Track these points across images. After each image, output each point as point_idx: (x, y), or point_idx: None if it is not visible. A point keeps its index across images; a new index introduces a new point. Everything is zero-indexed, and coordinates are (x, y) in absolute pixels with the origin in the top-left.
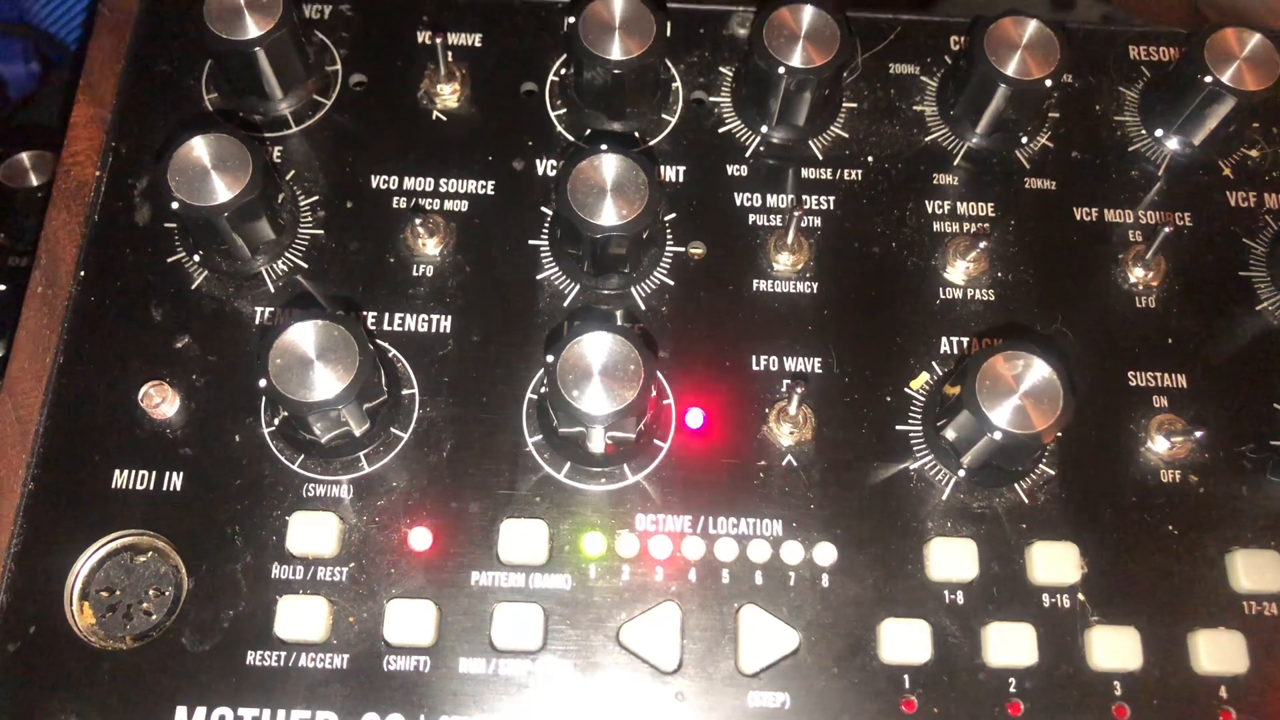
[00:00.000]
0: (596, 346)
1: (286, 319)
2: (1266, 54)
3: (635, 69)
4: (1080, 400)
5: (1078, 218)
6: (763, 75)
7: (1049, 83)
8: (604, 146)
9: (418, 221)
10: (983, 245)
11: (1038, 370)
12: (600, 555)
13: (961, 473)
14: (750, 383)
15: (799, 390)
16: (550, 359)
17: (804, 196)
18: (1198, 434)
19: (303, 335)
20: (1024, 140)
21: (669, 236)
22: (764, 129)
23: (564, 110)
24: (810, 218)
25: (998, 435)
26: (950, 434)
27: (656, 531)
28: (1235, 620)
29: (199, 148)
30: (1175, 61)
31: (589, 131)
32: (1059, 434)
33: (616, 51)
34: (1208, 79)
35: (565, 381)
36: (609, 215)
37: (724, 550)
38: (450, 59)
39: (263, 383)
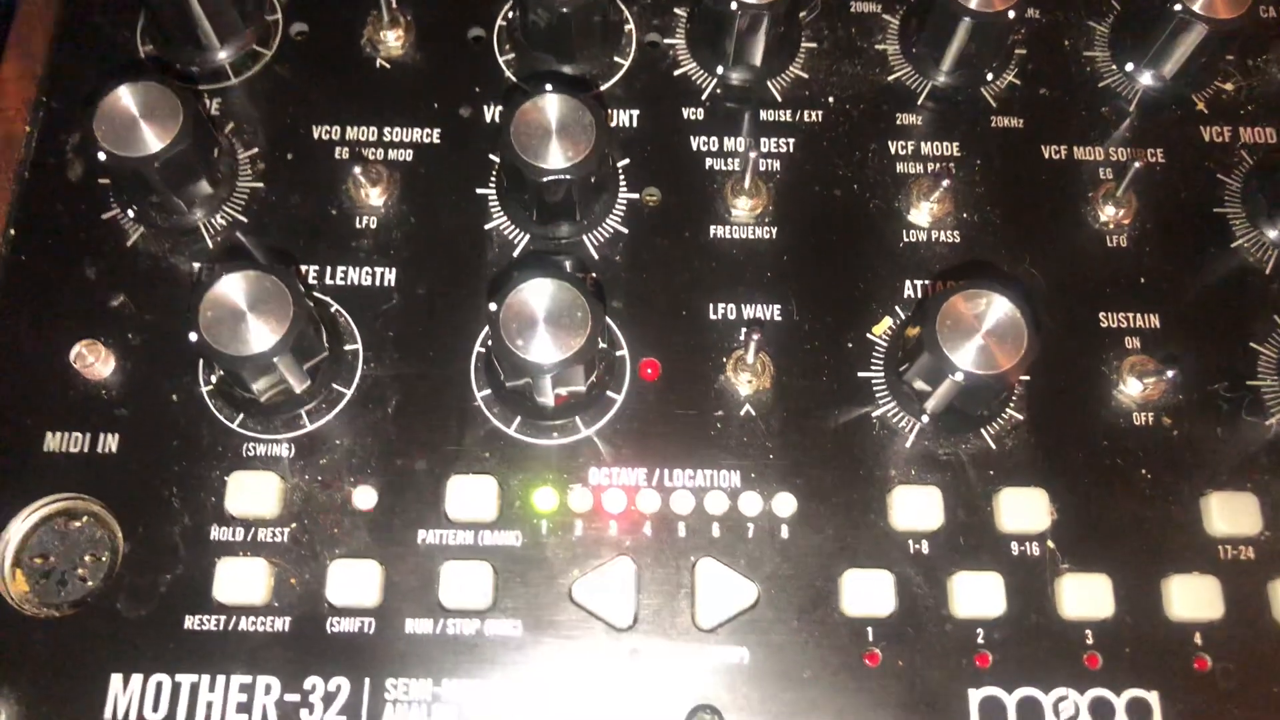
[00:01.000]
0: (541, 293)
1: (218, 272)
2: None
3: (582, 8)
4: (1050, 342)
5: (1046, 156)
6: (715, 14)
7: (1011, 14)
8: (548, 87)
9: (358, 171)
10: (945, 185)
11: (1000, 308)
12: (552, 511)
13: (925, 418)
14: (707, 332)
15: (755, 337)
16: (493, 307)
17: (762, 139)
18: (1169, 374)
19: (234, 287)
20: (989, 78)
21: (622, 183)
22: (720, 70)
23: (512, 55)
24: (769, 161)
25: (959, 376)
26: (912, 378)
27: (610, 485)
28: (1210, 565)
29: (126, 97)
30: None
31: (533, 74)
32: (1025, 375)
33: None
34: (1177, 7)
35: (509, 330)
36: (554, 158)
37: (680, 503)
38: (395, 5)
39: (193, 336)
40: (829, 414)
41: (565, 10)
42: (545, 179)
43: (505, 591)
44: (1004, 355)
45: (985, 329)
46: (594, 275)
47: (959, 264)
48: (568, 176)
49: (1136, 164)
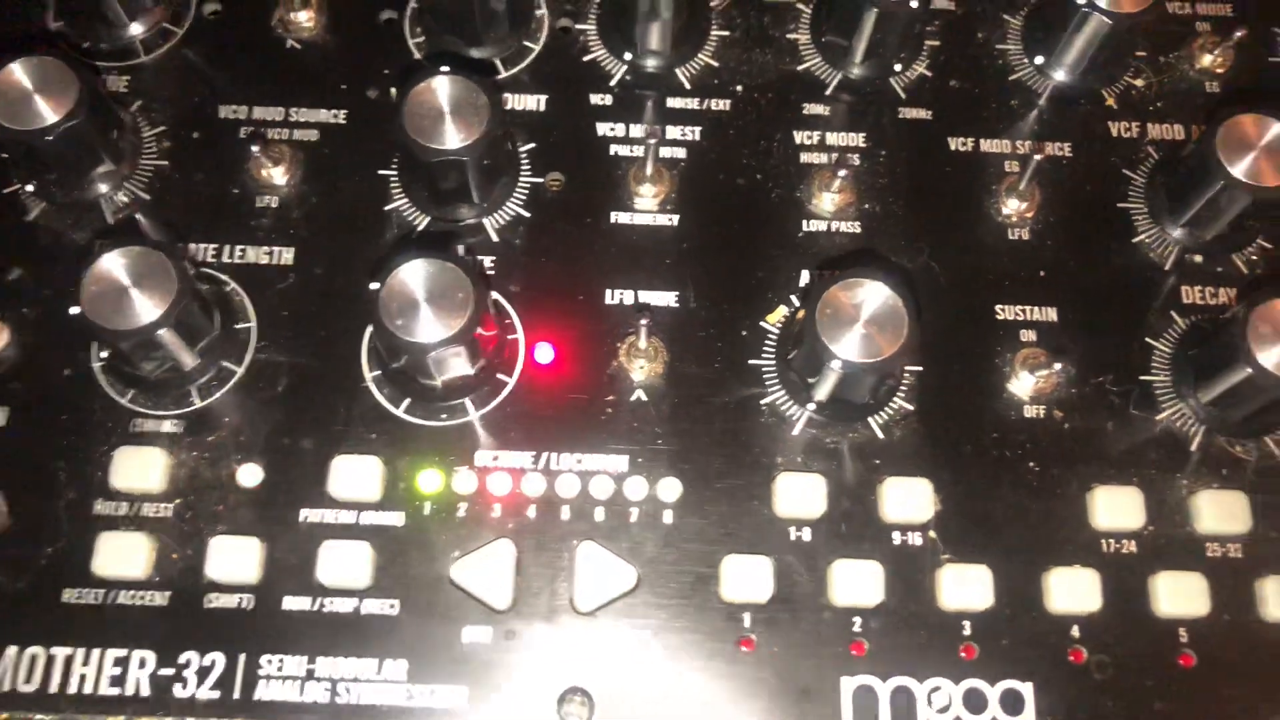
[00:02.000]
0: (422, 273)
1: (103, 247)
2: None
3: None
4: (944, 333)
5: (953, 148)
6: (621, 1)
7: (915, 4)
8: (444, 68)
9: (256, 150)
10: (842, 175)
11: (880, 297)
12: (436, 492)
13: (812, 406)
14: (603, 317)
15: (644, 323)
16: (374, 286)
17: (668, 127)
18: (1057, 366)
19: (118, 263)
20: (898, 69)
21: (525, 166)
22: (628, 57)
23: (423, 38)
24: (675, 149)
25: (836, 365)
26: (798, 366)
27: (496, 468)
28: (1093, 558)
29: (19, 71)
30: None
31: (438, 56)
32: (917, 365)
33: None
34: (1081, 0)
35: (389, 310)
36: (446, 139)
37: (565, 486)
38: None
39: (74, 310)
40: (719, 400)
41: None
42: (436, 160)
43: (385, 571)
44: (884, 344)
45: (865, 318)
46: (481, 258)
47: (848, 253)
48: (460, 158)
49: (1037, 157)
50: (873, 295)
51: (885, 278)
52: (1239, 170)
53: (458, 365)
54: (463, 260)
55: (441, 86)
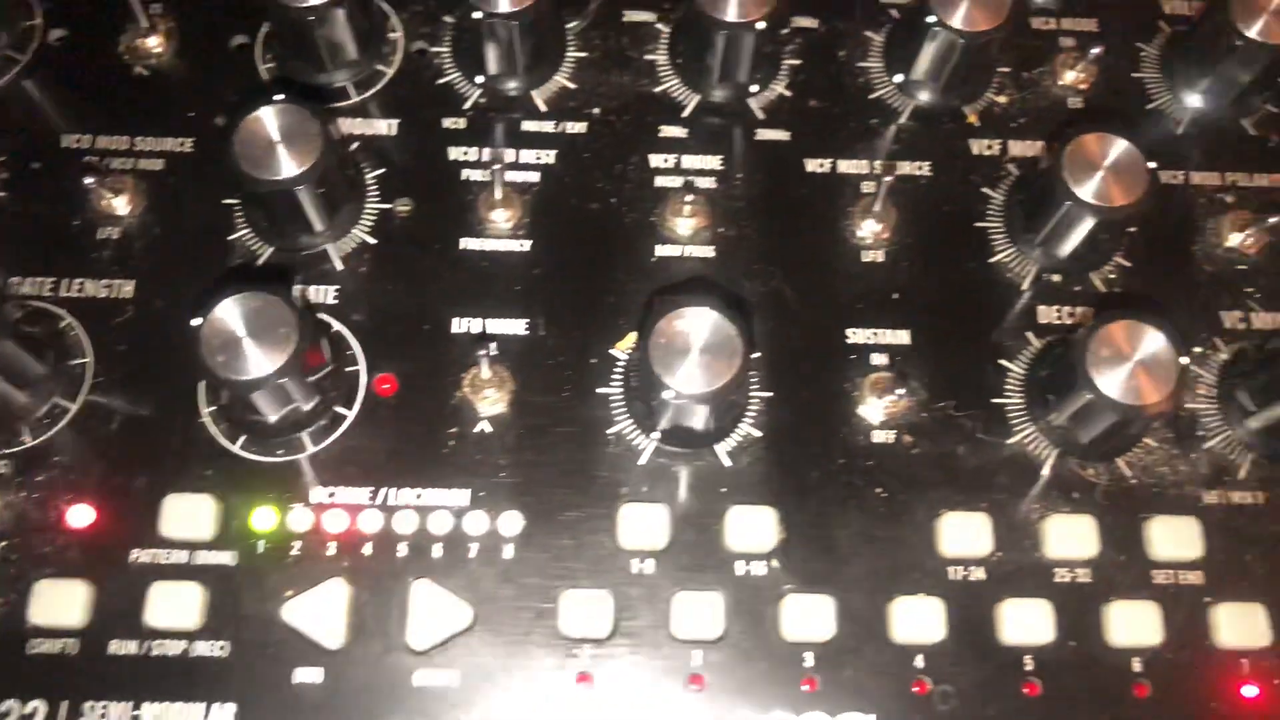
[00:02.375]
0: (244, 308)
1: None
2: None
3: (324, 16)
4: (795, 359)
5: (809, 169)
6: (471, 23)
7: (761, 25)
8: (278, 97)
9: (90, 181)
10: (688, 199)
11: (712, 325)
12: (270, 531)
13: (656, 435)
14: (449, 346)
15: (483, 354)
16: (195, 322)
17: (522, 151)
18: (900, 391)
19: None
20: (755, 89)
21: (373, 192)
22: (481, 80)
23: (273, 64)
24: (528, 173)
25: (668, 395)
26: (641, 395)
27: (332, 504)
28: (939, 587)
29: None
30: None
31: (276, 82)
32: (768, 392)
33: None
34: (930, 19)
35: (210, 346)
36: (278, 168)
37: (403, 523)
38: (154, 12)
39: None
40: (566, 430)
41: (311, 19)
42: (267, 190)
43: (216, 612)
44: (717, 373)
45: (699, 347)
46: (325, 288)
47: (688, 279)
48: (292, 187)
49: (887, 179)
50: (705, 324)
51: (718, 305)
52: (1085, 191)
53: (290, 400)
54: (287, 294)
55: (271, 116)
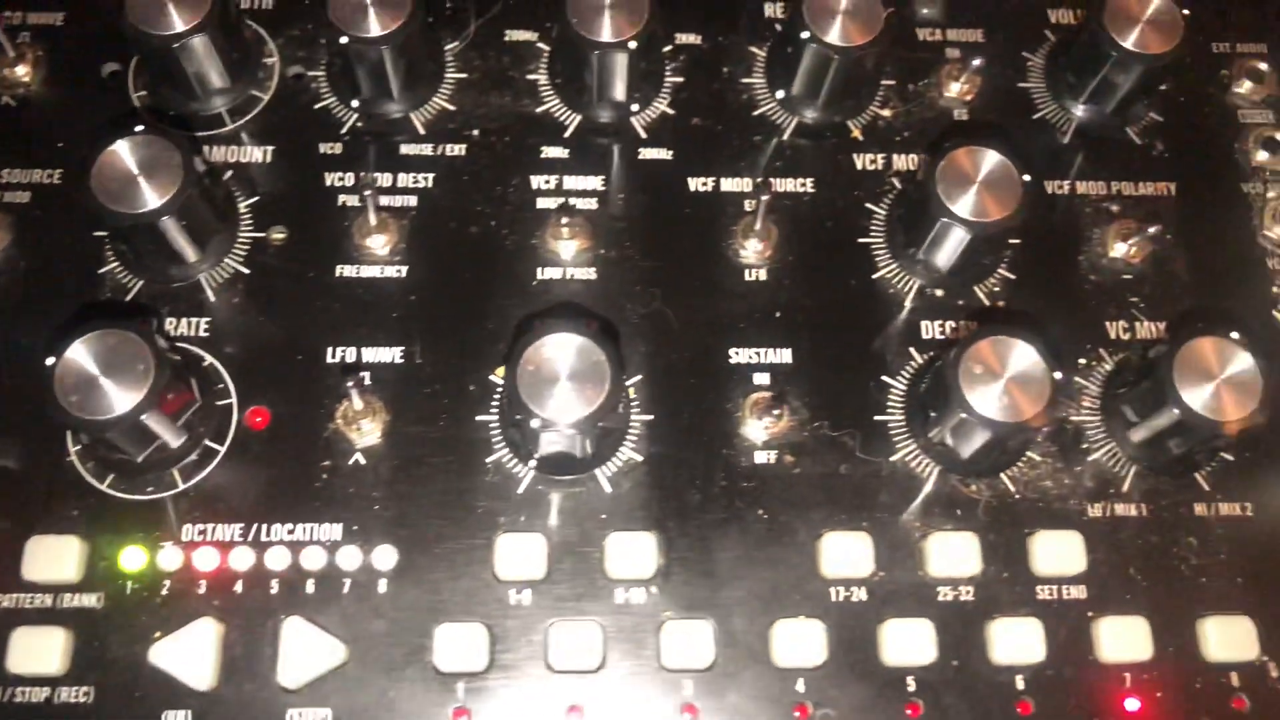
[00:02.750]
0: (100, 346)
1: None
2: (869, 6)
3: (186, 45)
4: (676, 381)
5: (693, 188)
6: (337, 48)
7: (633, 44)
8: (137, 128)
9: None
10: (565, 221)
11: (580, 351)
12: (139, 571)
13: (533, 463)
14: (323, 377)
15: (351, 385)
16: (49, 361)
17: (400, 174)
18: (775, 411)
19: None
20: (635, 109)
21: (247, 221)
22: (357, 104)
23: (145, 92)
24: (406, 197)
25: (535, 424)
26: (515, 424)
27: (203, 542)
28: (820, 608)
29: None
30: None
31: (146, 110)
32: (648, 415)
33: (172, 25)
34: (804, 35)
35: (63, 386)
36: (138, 200)
37: (275, 559)
38: (21, 40)
39: None
40: (443, 461)
41: (176, 46)
42: (128, 225)
43: (81, 657)
44: (585, 400)
45: (567, 374)
46: (159, 323)
47: (552, 305)
48: (152, 220)
49: (765, 197)
50: (573, 350)
51: (586, 331)
52: (960, 207)
53: (154, 437)
54: (143, 329)
55: (128, 148)
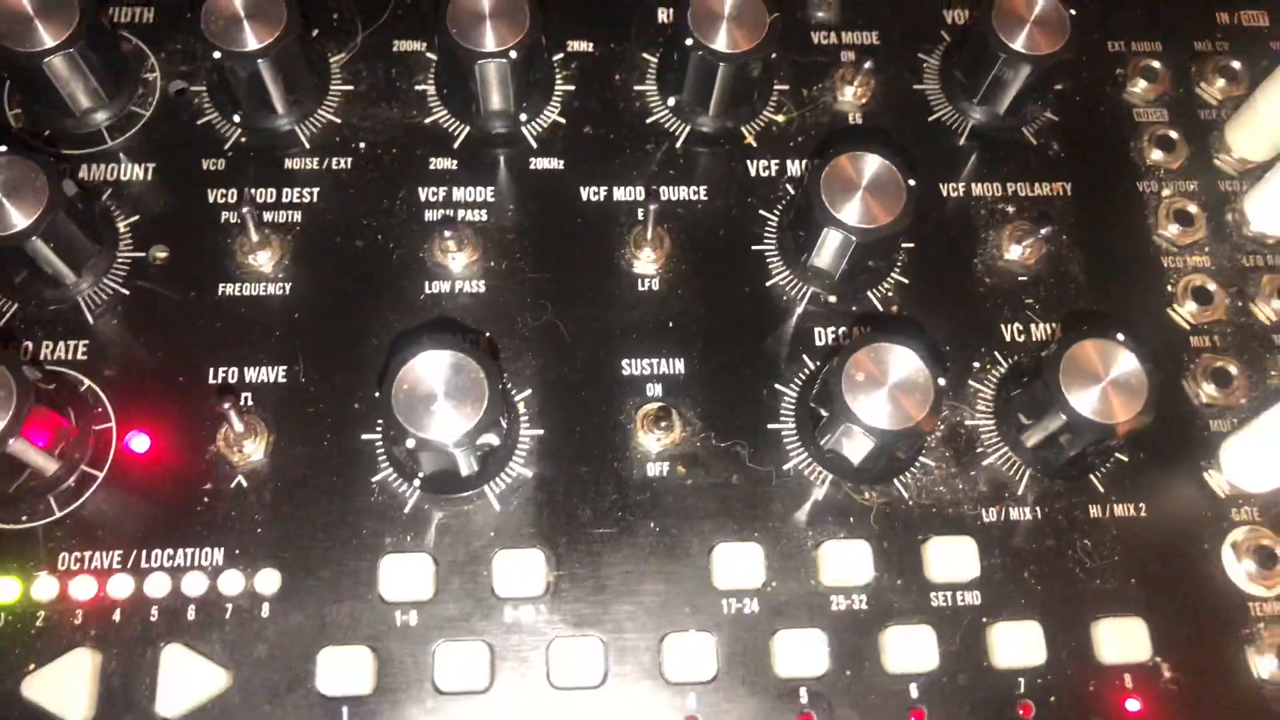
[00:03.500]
0: None
1: None
2: (754, 11)
3: (52, 63)
4: (567, 393)
5: (585, 198)
6: (212, 63)
7: (514, 54)
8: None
9: None
10: (447, 234)
11: (451, 368)
12: (12, 602)
13: (418, 482)
14: (205, 398)
15: (228, 407)
16: None
17: (285, 188)
18: (662, 423)
19: None
20: (524, 118)
21: (127, 240)
22: (238, 119)
23: (19, 110)
24: (290, 212)
25: (410, 444)
26: (397, 443)
27: (80, 571)
28: (711, 622)
29: None
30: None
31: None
32: (538, 430)
33: (38, 41)
34: (689, 42)
35: None
36: (5, 222)
37: (155, 586)
38: None
39: None
40: (327, 481)
41: (34, 66)
42: None
43: None
44: (464, 417)
45: (444, 392)
46: (28, 345)
47: (430, 320)
48: (18, 244)
49: (652, 206)
50: (446, 368)
51: (461, 346)
52: (844, 213)
53: (22, 467)
54: (4, 357)
55: None
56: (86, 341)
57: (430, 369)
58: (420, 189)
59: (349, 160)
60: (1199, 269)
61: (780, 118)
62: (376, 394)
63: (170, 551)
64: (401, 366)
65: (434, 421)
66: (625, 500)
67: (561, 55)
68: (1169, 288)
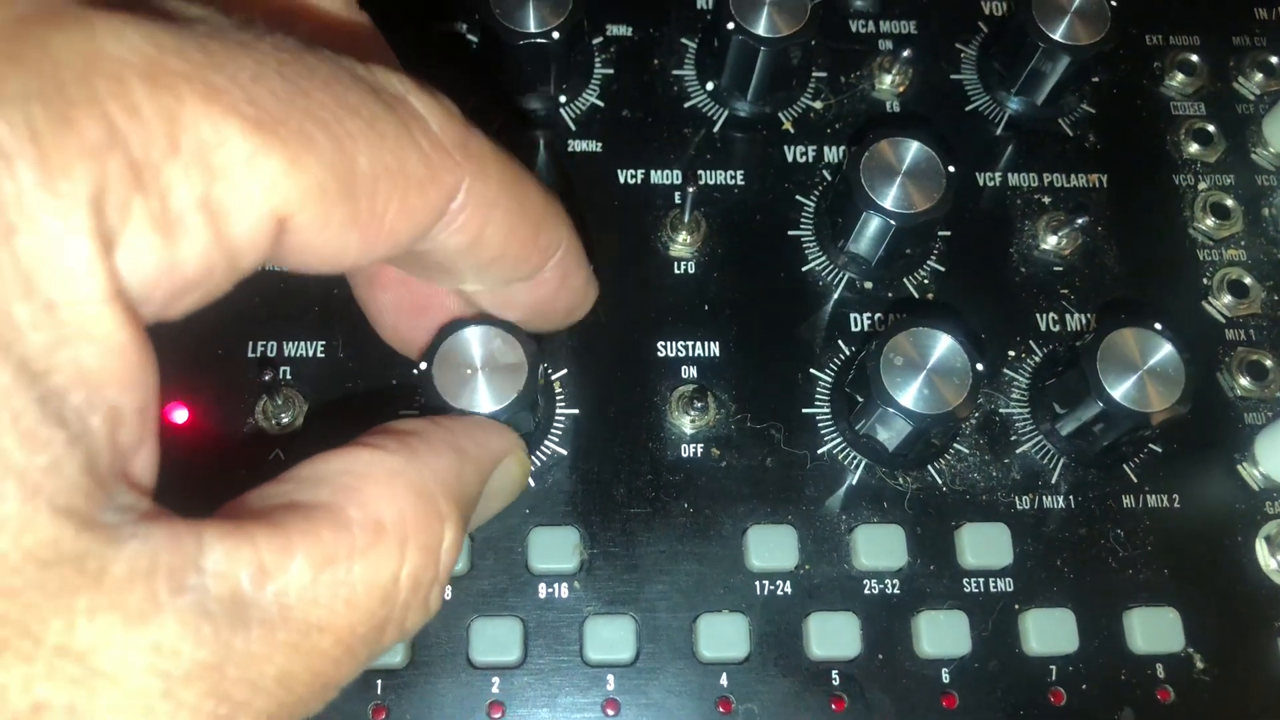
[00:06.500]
0: None
1: None
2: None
3: None
4: (603, 375)
5: (622, 180)
6: None
7: (556, 35)
8: None
9: None
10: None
11: (493, 344)
12: None
13: None
14: (243, 371)
15: (267, 377)
16: None
17: None
18: (698, 404)
19: None
20: (563, 100)
21: None
22: None
23: None
24: None
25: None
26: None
27: None
28: (744, 602)
29: None
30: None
31: None
32: (575, 409)
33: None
34: (730, 26)
35: None
36: None
37: None
38: None
39: None
40: None
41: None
42: None
43: None
44: (503, 392)
45: (484, 367)
46: None
47: None
48: None
49: (690, 189)
50: (489, 343)
51: (503, 324)
52: (884, 198)
53: None
54: None
55: None
56: None
57: (472, 345)
58: None
59: None
60: (1234, 262)
61: (818, 104)
62: (415, 370)
63: None
64: (444, 340)
65: (474, 396)
66: (659, 480)
67: (600, 39)
68: (1204, 281)
